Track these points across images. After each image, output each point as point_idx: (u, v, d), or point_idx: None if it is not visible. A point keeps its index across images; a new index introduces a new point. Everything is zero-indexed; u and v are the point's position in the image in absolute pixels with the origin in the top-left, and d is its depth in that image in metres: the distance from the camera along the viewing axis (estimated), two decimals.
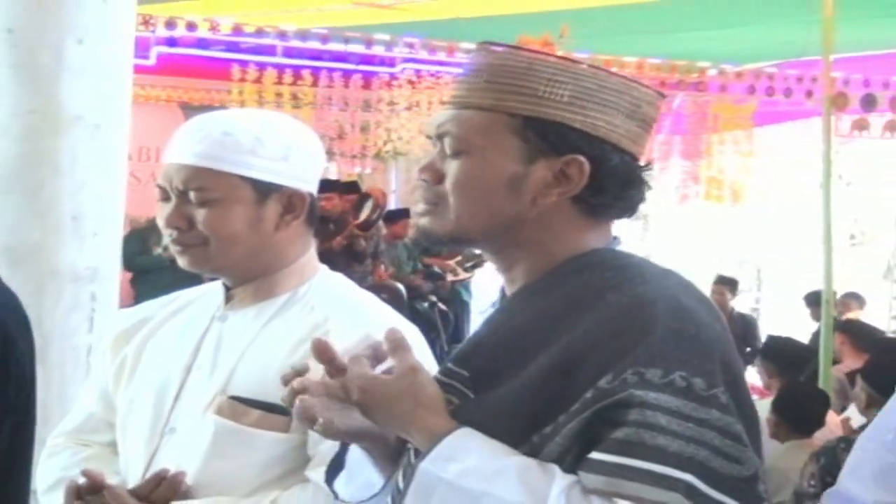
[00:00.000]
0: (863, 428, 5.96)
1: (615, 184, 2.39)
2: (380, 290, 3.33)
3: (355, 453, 2.47)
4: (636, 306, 2.25)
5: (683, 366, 2.20)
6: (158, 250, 8.77)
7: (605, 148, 2.37)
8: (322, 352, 2.31)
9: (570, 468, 2.21)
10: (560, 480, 2.19)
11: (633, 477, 2.15)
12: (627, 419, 2.16)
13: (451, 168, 2.39)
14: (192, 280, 3.33)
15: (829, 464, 5.86)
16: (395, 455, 2.40)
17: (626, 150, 2.40)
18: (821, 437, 6.96)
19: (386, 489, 2.44)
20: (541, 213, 2.37)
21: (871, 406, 6.13)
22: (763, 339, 13.75)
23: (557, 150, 2.35)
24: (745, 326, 13.79)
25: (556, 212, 2.38)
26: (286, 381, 2.35)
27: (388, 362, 2.32)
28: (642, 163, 2.44)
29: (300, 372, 2.34)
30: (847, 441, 6.01)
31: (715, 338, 2.29)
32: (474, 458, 2.22)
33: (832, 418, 7.50)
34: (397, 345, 2.32)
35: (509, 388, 2.28)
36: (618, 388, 2.18)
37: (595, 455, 2.18)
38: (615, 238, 2.49)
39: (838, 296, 11.74)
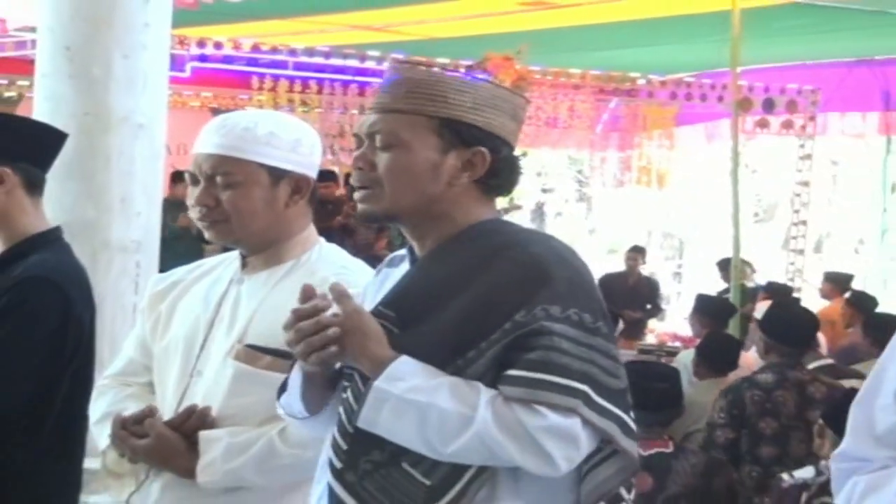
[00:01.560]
0: (763, 371, 6.01)
1: (505, 170, 2.52)
2: (374, 259, 3.35)
3: (295, 376, 2.53)
4: (533, 260, 2.38)
5: (576, 304, 2.35)
6: (171, 225, 8.69)
7: (498, 142, 2.49)
8: (307, 293, 2.43)
9: (490, 384, 2.31)
10: (485, 393, 2.29)
11: (545, 388, 2.27)
12: (539, 344, 2.30)
13: (383, 159, 2.47)
14: (194, 248, 3.32)
15: (735, 399, 5.86)
16: (326, 385, 2.50)
17: (510, 144, 2.53)
18: (734, 376, 7.00)
19: (315, 417, 2.53)
20: (453, 192, 2.47)
21: (769, 351, 6.14)
22: (661, 299, 14.01)
23: (466, 143, 2.46)
24: (650, 286, 13.75)
25: (463, 191, 2.48)
26: (285, 327, 2.41)
27: (334, 308, 2.37)
28: (517, 153, 2.57)
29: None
30: (749, 381, 6.02)
31: (593, 284, 2.46)
32: (416, 378, 2.31)
33: (746, 361, 7.51)
34: (340, 294, 2.38)
35: (432, 325, 2.37)
36: (531, 320, 2.31)
37: (513, 372, 2.29)
38: (499, 211, 2.61)
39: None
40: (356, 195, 2.54)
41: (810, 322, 6.34)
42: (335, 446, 2.43)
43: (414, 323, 2.39)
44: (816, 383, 5.84)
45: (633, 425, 2.36)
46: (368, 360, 2.34)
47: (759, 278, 12.68)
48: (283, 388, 2.59)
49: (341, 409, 2.44)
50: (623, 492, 2.44)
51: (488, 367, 2.32)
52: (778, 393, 5.77)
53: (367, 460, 2.37)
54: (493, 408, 2.27)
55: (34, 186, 3.43)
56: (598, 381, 2.31)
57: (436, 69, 2.52)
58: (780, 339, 5.99)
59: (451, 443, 2.27)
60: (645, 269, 14.33)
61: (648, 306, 13.15)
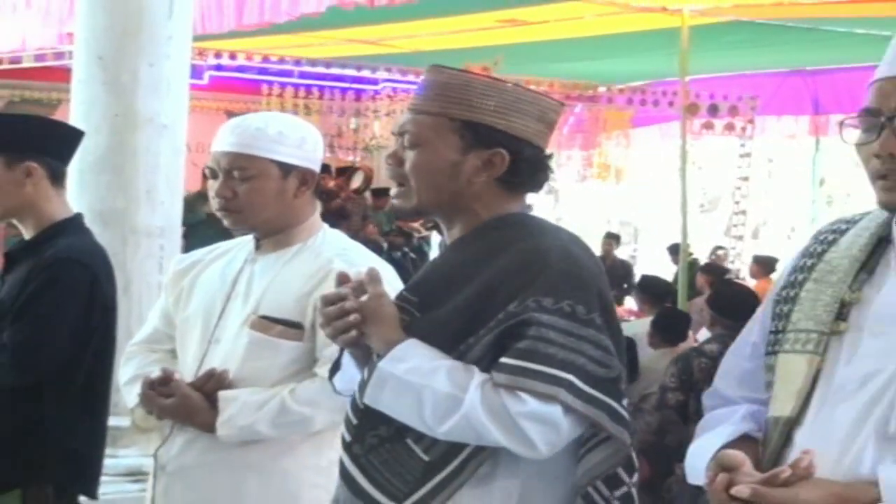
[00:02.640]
0: (709, 341, 6.05)
1: (527, 169, 2.39)
2: (366, 243, 3.35)
3: (347, 357, 2.44)
4: (535, 252, 2.28)
5: (569, 296, 2.23)
6: (201, 211, 8.70)
7: (520, 143, 2.36)
8: (341, 279, 2.35)
9: (486, 369, 2.22)
10: (478, 377, 2.21)
11: (529, 375, 2.18)
12: (528, 334, 2.20)
13: (410, 156, 2.38)
14: (222, 235, 3.32)
15: (685, 366, 5.89)
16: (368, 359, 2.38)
17: (536, 145, 2.39)
18: (684, 346, 7.04)
19: None
20: (473, 189, 2.37)
21: (714, 324, 6.17)
22: (634, 280, 13.97)
23: (486, 144, 2.35)
24: (624, 269, 13.87)
25: (484, 188, 2.37)
26: (319, 310, 2.35)
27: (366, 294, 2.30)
28: (547, 153, 2.45)
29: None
30: (697, 350, 6.05)
31: (593, 276, 2.32)
32: (417, 360, 2.24)
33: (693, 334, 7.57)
34: (373, 279, 2.31)
35: (445, 311, 2.30)
36: (522, 311, 2.21)
37: (503, 360, 2.21)
38: (528, 206, 2.49)
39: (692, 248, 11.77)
40: (392, 191, 2.47)
41: (751, 297, 6.36)
42: (347, 422, 2.37)
43: (432, 307, 2.32)
44: None
45: (623, 412, 2.26)
46: (381, 341, 2.27)
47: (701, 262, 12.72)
48: (334, 369, 2.50)
49: (356, 388, 2.35)
50: (624, 475, 2.33)
51: (485, 354, 2.24)
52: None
53: (373, 435, 2.31)
54: (481, 392, 2.19)
55: (58, 178, 3.44)
56: (585, 371, 2.21)
57: (463, 73, 2.40)
58: (724, 314, 6.01)
59: (444, 423, 2.20)
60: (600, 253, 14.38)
61: (624, 286, 13.14)
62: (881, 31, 7.90)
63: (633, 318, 9.79)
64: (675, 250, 11.68)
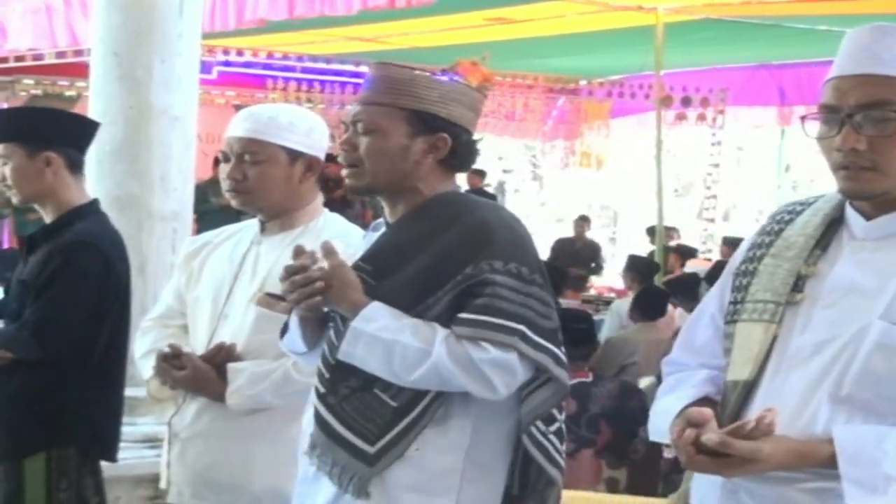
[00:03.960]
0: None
1: (464, 152, 2.51)
2: (364, 227, 3.36)
3: (293, 321, 2.54)
4: (482, 223, 2.41)
5: (515, 259, 2.37)
6: (213, 201, 8.68)
7: (458, 129, 2.49)
8: (297, 252, 2.42)
9: (445, 325, 2.34)
10: (441, 331, 2.33)
11: (489, 328, 2.31)
12: (484, 292, 2.33)
13: (363, 142, 2.48)
14: (232, 222, 3.33)
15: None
16: (318, 326, 2.49)
17: (469, 131, 2.52)
18: (662, 321, 7.08)
19: (313, 351, 2.53)
20: (419, 170, 2.47)
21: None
22: (602, 259, 14.11)
23: (431, 130, 2.46)
24: (593, 249, 13.93)
25: (428, 169, 2.48)
26: (281, 278, 2.43)
27: (322, 263, 2.39)
28: (476, 137, 2.56)
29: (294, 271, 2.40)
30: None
31: (530, 243, 2.48)
32: (385, 320, 2.34)
33: (672, 311, 7.62)
34: (328, 251, 2.40)
35: (401, 277, 2.40)
36: (478, 273, 2.34)
37: (463, 315, 2.33)
38: (457, 185, 2.63)
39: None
40: (344, 172, 2.55)
41: (664, 299, 6.46)
42: (320, 375, 2.47)
43: (386, 275, 2.42)
44: None
45: (563, 358, 2.40)
46: (348, 304, 2.37)
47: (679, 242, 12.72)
48: (284, 331, 2.61)
49: (325, 345, 2.47)
50: (556, 413, 2.42)
51: (444, 311, 2.36)
52: None
53: (345, 386, 2.41)
54: (447, 344, 2.31)
55: (75, 166, 3.47)
56: (533, 322, 2.34)
57: (408, 69, 2.51)
58: (645, 315, 6.13)
59: (412, 372, 2.32)
60: (588, 234, 14.40)
61: (592, 265, 13.19)
62: (841, 28, 7.91)
63: (615, 296, 9.84)
64: (651, 232, 11.69)
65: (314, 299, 2.37)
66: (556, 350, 2.38)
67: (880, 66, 1.95)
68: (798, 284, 2.03)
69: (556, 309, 2.48)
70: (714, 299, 2.22)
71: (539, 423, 2.40)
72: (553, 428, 2.42)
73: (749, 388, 2.02)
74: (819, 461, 1.90)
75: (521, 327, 2.32)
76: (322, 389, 2.46)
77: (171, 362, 3.05)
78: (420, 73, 2.50)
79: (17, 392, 3.34)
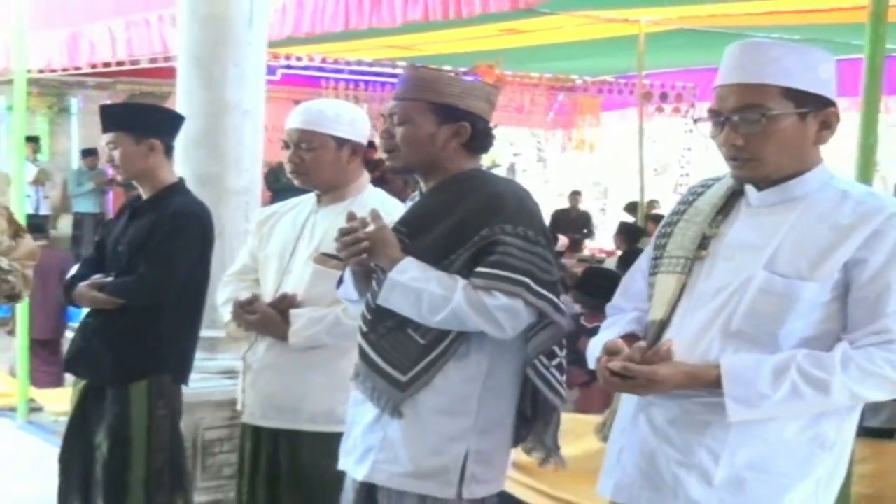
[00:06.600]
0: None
1: (482, 137, 2.50)
2: (402, 200, 3.36)
3: (348, 274, 2.56)
4: (496, 194, 2.41)
5: (522, 223, 2.37)
6: (283, 179, 8.69)
7: (476, 118, 2.48)
8: (350, 217, 2.44)
9: (464, 277, 2.35)
10: (461, 282, 2.35)
11: (499, 279, 2.32)
12: (496, 250, 2.35)
13: (398, 132, 2.49)
14: (299, 194, 3.33)
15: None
16: (367, 279, 2.50)
17: (486, 119, 2.51)
18: None
19: (363, 299, 2.53)
20: (445, 153, 2.48)
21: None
22: (593, 226, 14.10)
23: (453, 119, 2.45)
24: (585, 217, 13.93)
25: (453, 151, 2.48)
26: (335, 239, 2.45)
27: (370, 227, 2.41)
28: (491, 125, 2.55)
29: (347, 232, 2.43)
30: None
31: (536, 211, 2.47)
32: (415, 272, 2.36)
33: None
34: (375, 216, 2.42)
35: (429, 237, 2.41)
36: (491, 234, 2.35)
37: (479, 269, 2.35)
38: (481, 164, 2.61)
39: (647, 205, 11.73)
40: (383, 156, 2.56)
41: (613, 280, 6.37)
42: (363, 317, 2.50)
43: (418, 235, 2.43)
44: None
45: (562, 305, 2.39)
46: (387, 259, 2.38)
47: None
48: (340, 282, 2.63)
49: (369, 293, 2.48)
50: (557, 350, 2.42)
51: (464, 265, 2.37)
52: None
53: (383, 326, 2.43)
54: (465, 292, 2.32)
55: (169, 151, 3.51)
56: (536, 276, 2.35)
57: (434, 70, 2.52)
58: (588, 294, 6.04)
59: (437, 315, 2.33)
60: (581, 206, 14.39)
61: (585, 231, 13.17)
62: (792, 37, 7.84)
63: (605, 255, 9.83)
64: (630, 208, 11.66)
65: (361, 256, 2.38)
66: (555, 299, 2.37)
67: (750, 75, 2.00)
68: (704, 243, 2.09)
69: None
70: (645, 257, 2.27)
71: (542, 358, 2.40)
72: (554, 362, 2.42)
73: (662, 326, 2.08)
74: (709, 382, 1.94)
75: (526, 279, 2.33)
76: (365, 329, 2.47)
77: (246, 308, 3.08)
78: (444, 73, 2.52)
79: (125, 329, 3.38)
